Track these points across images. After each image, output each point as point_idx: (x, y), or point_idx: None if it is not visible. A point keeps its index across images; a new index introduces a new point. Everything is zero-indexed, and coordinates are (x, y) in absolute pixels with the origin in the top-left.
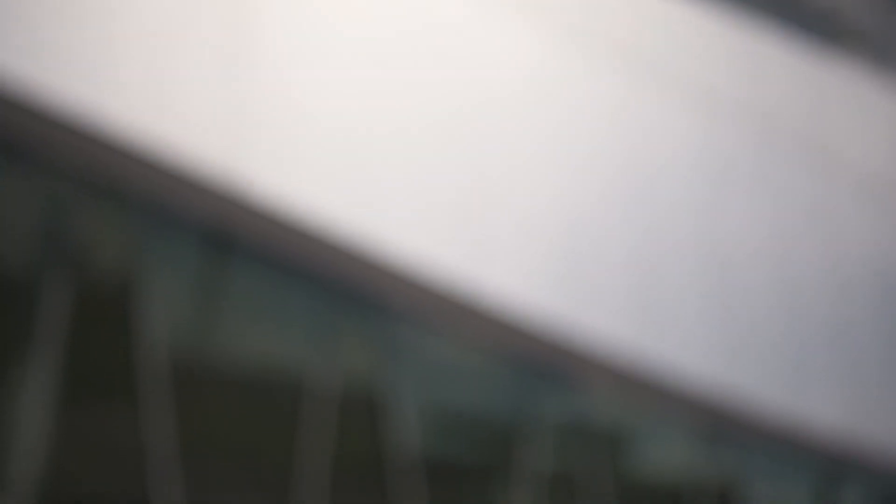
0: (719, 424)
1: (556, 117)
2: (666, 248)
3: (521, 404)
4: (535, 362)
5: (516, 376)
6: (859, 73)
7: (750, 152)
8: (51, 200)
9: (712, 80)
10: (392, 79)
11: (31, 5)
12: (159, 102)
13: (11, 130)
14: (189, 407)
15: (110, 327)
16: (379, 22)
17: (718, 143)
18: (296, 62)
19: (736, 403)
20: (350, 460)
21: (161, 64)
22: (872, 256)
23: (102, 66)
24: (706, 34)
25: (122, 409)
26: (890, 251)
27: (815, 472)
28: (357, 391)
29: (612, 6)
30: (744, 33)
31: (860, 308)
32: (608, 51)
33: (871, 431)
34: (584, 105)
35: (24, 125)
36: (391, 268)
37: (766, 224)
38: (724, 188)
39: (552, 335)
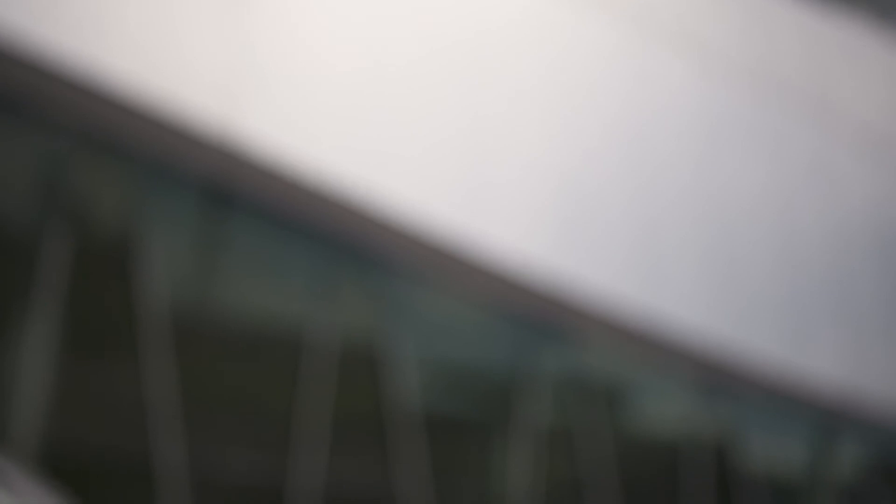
0: (717, 378)
1: (554, 73)
2: (664, 201)
3: (520, 359)
4: (533, 317)
5: (515, 331)
6: (858, 26)
7: (749, 106)
8: (50, 155)
9: (711, 33)
10: (388, 33)
11: None
12: (158, 56)
13: (10, 85)
14: (189, 361)
15: (110, 282)
16: None
17: (717, 97)
18: (293, 16)
19: (734, 357)
20: (350, 415)
21: (160, 17)
22: (871, 210)
23: (101, 20)
24: None
25: (122, 363)
26: (889, 205)
27: (812, 425)
28: (356, 346)
29: None
30: None
31: (859, 261)
32: (605, 4)
33: (869, 385)
34: (581, 60)
35: (23, 80)
36: (390, 222)
37: (765, 178)
38: (722, 142)
39: (551, 289)
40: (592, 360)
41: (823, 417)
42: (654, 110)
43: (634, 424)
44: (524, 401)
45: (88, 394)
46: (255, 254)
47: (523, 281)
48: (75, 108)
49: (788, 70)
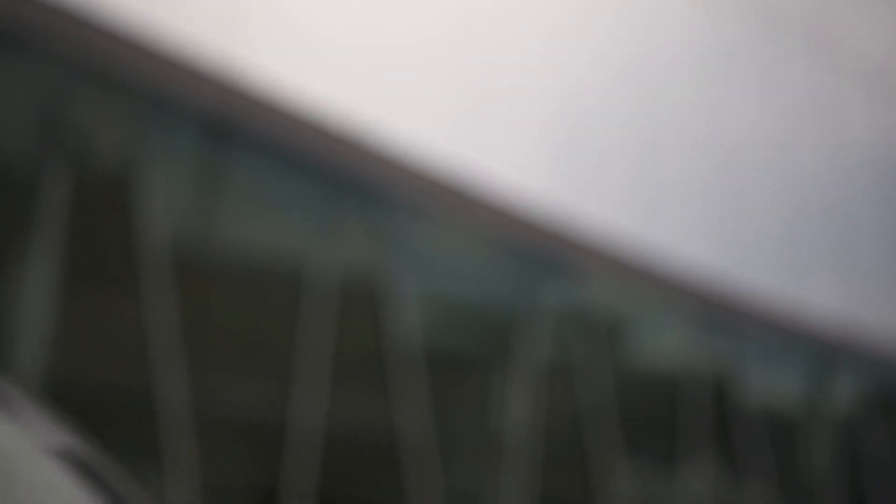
0: (717, 312)
1: (558, 3)
2: (667, 136)
3: (521, 294)
4: (534, 251)
5: (516, 266)
6: None
7: (753, 41)
8: (50, 90)
9: None
10: None
11: None
12: None
13: (9, 20)
14: (190, 296)
15: (111, 216)
16: None
17: (722, 32)
18: None
19: (734, 291)
20: (350, 351)
21: None
22: (874, 145)
23: None
24: None
25: (123, 299)
26: (890, 139)
27: (810, 360)
28: (357, 281)
29: None
30: None
31: (860, 197)
32: None
33: (868, 319)
34: None
35: (22, 14)
36: (391, 157)
37: (768, 113)
38: (726, 77)
39: (552, 224)
40: (592, 294)
41: (821, 351)
42: (659, 47)
43: (634, 359)
44: (524, 336)
45: (90, 329)
46: (256, 189)
47: (523, 214)
48: (75, 42)
49: (793, 6)
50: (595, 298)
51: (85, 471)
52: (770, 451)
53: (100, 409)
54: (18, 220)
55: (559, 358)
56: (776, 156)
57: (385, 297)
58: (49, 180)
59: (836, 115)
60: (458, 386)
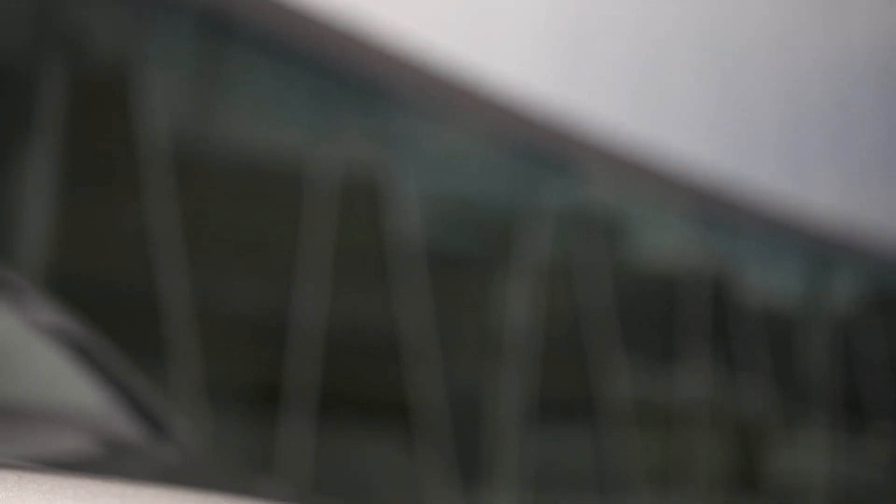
0: (717, 211)
1: None
2: (671, 35)
3: (522, 192)
4: (536, 150)
5: (517, 164)
6: None
7: None
8: None
9: None
10: None
11: None
12: None
13: None
14: (190, 193)
15: (109, 113)
16: None
17: None
18: None
19: (734, 189)
20: (351, 249)
21: None
22: (878, 47)
23: None
24: None
25: (123, 197)
26: (892, 38)
27: (809, 258)
28: (359, 179)
29: None
30: None
31: (861, 94)
32: None
33: (867, 217)
34: None
35: None
36: (394, 54)
37: (773, 13)
38: None
39: (554, 122)
40: (593, 193)
41: (820, 250)
42: None
43: (633, 258)
44: (524, 234)
45: (90, 228)
46: (257, 86)
47: (526, 113)
48: None
49: None
50: (596, 197)
51: (80, 350)
52: (767, 350)
53: (102, 307)
54: (17, 119)
55: (559, 256)
56: (780, 55)
57: (386, 195)
58: (48, 78)
59: (841, 16)
60: (459, 284)
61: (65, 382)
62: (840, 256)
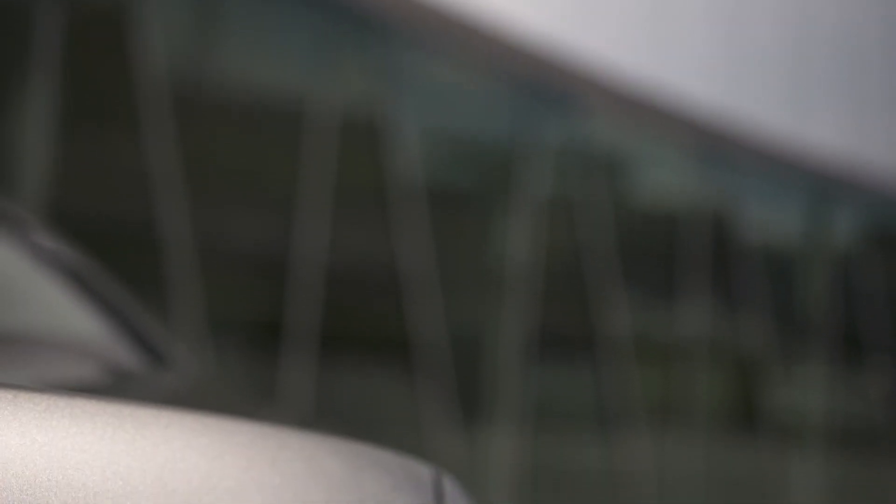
0: (718, 147)
1: None
2: None
3: (523, 128)
4: (537, 86)
5: (517, 100)
6: None
7: None
8: None
9: None
10: None
11: None
12: None
13: None
14: (190, 130)
15: (108, 50)
16: None
17: None
18: None
19: (735, 125)
20: (351, 186)
21: None
22: None
23: None
24: None
25: (123, 134)
26: None
27: (809, 195)
28: (358, 115)
29: None
30: None
31: (866, 33)
32: None
33: (868, 153)
34: None
35: None
36: None
37: None
38: None
39: (555, 58)
40: (594, 129)
41: (821, 186)
42: None
43: (634, 195)
44: (525, 170)
45: (91, 165)
46: (256, 22)
47: (527, 48)
48: None
49: None
50: (597, 134)
51: (79, 280)
52: (767, 286)
53: (102, 243)
54: (15, 55)
55: (560, 192)
56: None
57: (386, 131)
58: (45, 14)
59: None
60: (459, 220)
61: (64, 311)
62: (841, 192)
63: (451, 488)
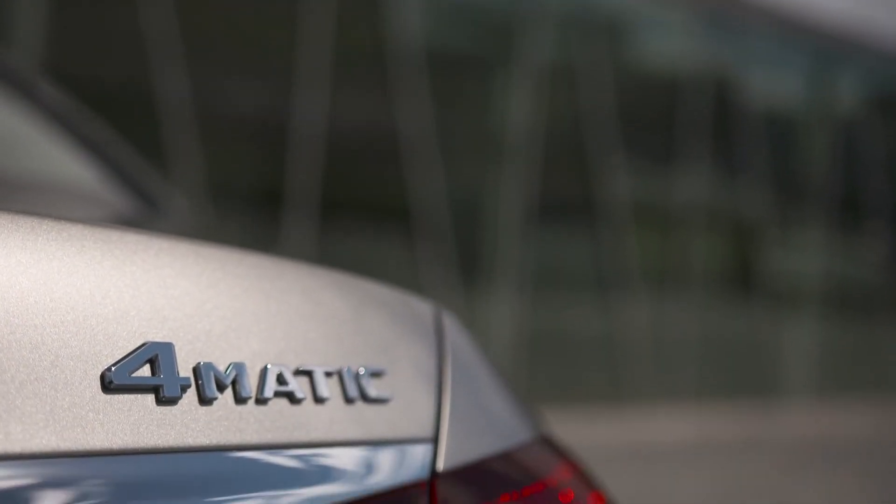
0: (721, 9)
1: None
2: None
3: None
4: None
5: None
6: None
7: None
8: None
9: None
10: None
11: None
12: None
13: None
14: None
15: None
16: None
17: None
18: None
19: None
20: (351, 50)
21: None
22: None
23: None
24: None
25: None
26: None
27: (812, 58)
28: None
29: None
30: None
31: None
32: None
33: (871, 15)
34: None
35: None
36: None
37: None
38: None
39: None
40: None
41: (824, 49)
42: None
43: (636, 60)
44: (526, 35)
45: (87, 29)
46: None
47: None
48: None
49: None
50: None
51: (76, 130)
52: (768, 151)
53: (102, 107)
54: None
55: (561, 58)
56: None
57: None
58: None
59: None
60: (460, 86)
61: (62, 159)
62: (844, 56)
63: (450, 324)
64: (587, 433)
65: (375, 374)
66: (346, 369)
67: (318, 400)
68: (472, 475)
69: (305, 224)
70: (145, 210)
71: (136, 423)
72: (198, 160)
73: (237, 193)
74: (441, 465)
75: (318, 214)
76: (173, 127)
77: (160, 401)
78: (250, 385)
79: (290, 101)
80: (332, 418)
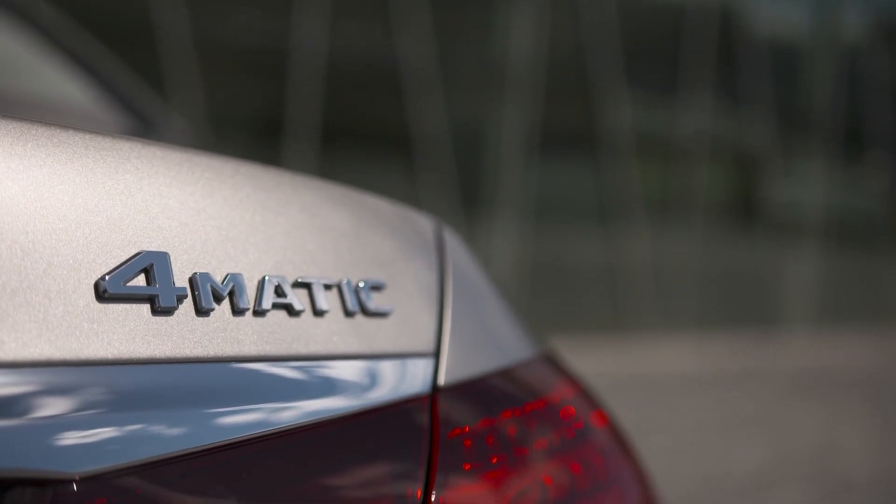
0: None
1: None
2: None
3: None
4: None
5: None
6: None
7: None
8: None
9: None
10: None
11: None
12: None
13: None
14: None
15: None
16: None
17: None
18: None
19: None
20: None
21: None
22: None
23: None
24: None
25: None
26: None
27: None
28: None
29: None
30: None
31: None
32: None
33: None
34: None
35: None
36: None
37: None
38: None
39: None
40: None
41: None
42: None
43: None
44: None
45: None
46: None
47: None
48: None
49: None
50: None
51: (71, 50)
52: (772, 82)
53: (100, 38)
54: None
55: None
56: None
57: None
58: None
59: None
60: (461, 14)
61: (59, 80)
62: None
63: (451, 239)
64: (588, 362)
65: (375, 288)
66: (345, 282)
67: (318, 312)
68: (473, 391)
69: (306, 153)
70: (141, 128)
71: (131, 333)
72: (198, 89)
73: (237, 122)
74: (442, 380)
75: (319, 143)
76: (173, 56)
77: (156, 311)
78: (248, 296)
79: (291, 28)
80: (332, 331)
